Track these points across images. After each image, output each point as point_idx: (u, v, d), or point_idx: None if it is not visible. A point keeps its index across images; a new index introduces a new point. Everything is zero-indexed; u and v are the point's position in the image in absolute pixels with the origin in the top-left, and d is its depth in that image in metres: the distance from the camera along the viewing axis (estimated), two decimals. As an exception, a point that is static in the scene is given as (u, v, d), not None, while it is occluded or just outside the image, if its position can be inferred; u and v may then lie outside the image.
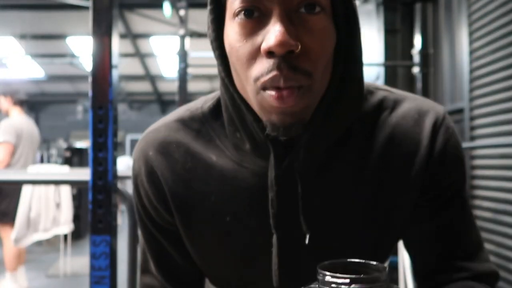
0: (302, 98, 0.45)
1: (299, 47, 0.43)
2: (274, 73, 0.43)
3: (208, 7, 0.48)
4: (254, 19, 0.44)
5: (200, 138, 0.55)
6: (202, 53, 10.21)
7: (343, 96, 0.49)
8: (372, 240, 0.55)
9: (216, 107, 0.57)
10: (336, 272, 0.39)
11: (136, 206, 0.61)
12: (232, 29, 0.46)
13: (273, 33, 0.42)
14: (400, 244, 2.51)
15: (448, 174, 0.55)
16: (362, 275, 0.38)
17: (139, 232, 0.65)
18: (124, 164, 7.73)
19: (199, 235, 0.57)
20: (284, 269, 0.52)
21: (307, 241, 0.50)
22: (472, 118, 3.26)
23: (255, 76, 0.45)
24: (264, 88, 0.45)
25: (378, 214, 0.54)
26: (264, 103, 0.45)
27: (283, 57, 0.43)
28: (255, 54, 0.45)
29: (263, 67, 0.44)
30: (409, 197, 0.55)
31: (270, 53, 0.43)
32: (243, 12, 0.44)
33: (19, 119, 3.45)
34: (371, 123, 0.54)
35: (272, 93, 0.44)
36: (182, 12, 2.37)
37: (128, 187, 8.45)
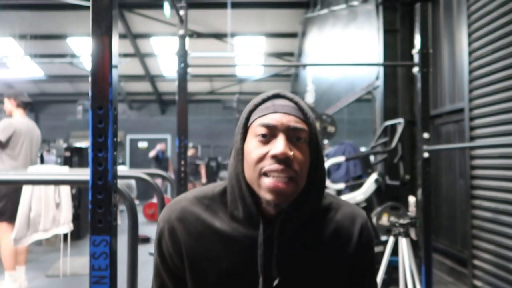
0: (290, 184, 0.74)
1: (292, 156, 0.74)
2: (277, 166, 0.73)
3: (240, 128, 0.80)
4: (267, 138, 0.76)
5: (208, 211, 0.83)
6: (202, 53, 10.21)
7: (309, 195, 0.79)
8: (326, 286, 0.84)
9: (223, 192, 0.84)
10: None
11: (156, 255, 0.86)
12: (253, 142, 0.77)
13: (279, 146, 0.73)
14: (400, 246, 2.51)
15: (367, 255, 0.87)
16: None
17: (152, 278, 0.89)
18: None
19: (203, 276, 0.81)
20: None
21: (275, 283, 0.77)
22: (472, 118, 3.26)
23: (261, 167, 0.74)
24: (266, 174, 0.74)
25: (328, 273, 0.83)
26: (264, 186, 0.74)
27: (282, 159, 0.73)
28: (263, 157, 0.75)
29: (268, 163, 0.74)
30: (345, 266, 0.85)
31: (274, 157, 0.73)
32: (261, 135, 0.76)
33: (20, 119, 3.46)
34: (324, 217, 0.85)
35: (271, 180, 0.74)
36: (182, 12, 2.37)
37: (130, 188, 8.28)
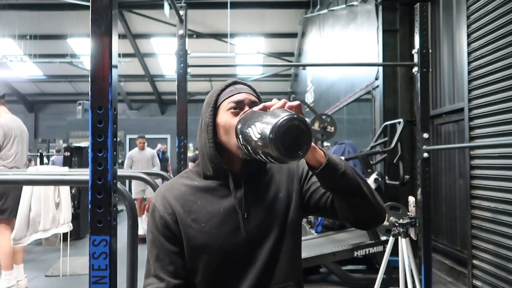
0: None
1: None
2: None
3: (210, 108, 1.06)
4: (237, 111, 1.04)
5: (188, 178, 1.11)
6: (202, 53, 10.20)
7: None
8: (285, 215, 1.09)
9: (195, 166, 1.14)
10: None
11: (150, 229, 1.04)
12: (227, 115, 1.04)
13: None
14: (400, 246, 2.51)
15: (303, 164, 1.15)
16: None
17: (147, 248, 1.03)
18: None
19: (193, 222, 1.02)
20: (246, 223, 1.04)
21: (245, 215, 1.04)
22: (471, 118, 3.26)
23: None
24: None
25: (284, 202, 1.10)
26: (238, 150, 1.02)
27: None
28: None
29: None
30: (296, 182, 1.13)
31: None
32: (232, 108, 1.04)
33: (8, 117, 3.45)
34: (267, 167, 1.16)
35: None
36: (182, 12, 2.37)
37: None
